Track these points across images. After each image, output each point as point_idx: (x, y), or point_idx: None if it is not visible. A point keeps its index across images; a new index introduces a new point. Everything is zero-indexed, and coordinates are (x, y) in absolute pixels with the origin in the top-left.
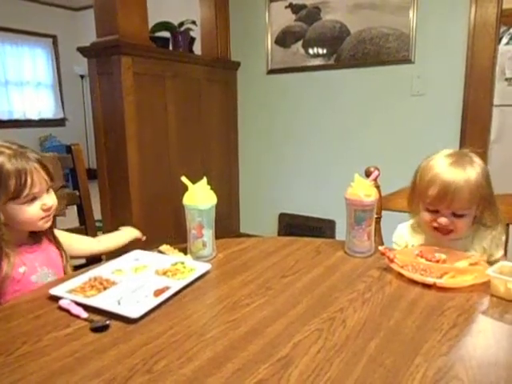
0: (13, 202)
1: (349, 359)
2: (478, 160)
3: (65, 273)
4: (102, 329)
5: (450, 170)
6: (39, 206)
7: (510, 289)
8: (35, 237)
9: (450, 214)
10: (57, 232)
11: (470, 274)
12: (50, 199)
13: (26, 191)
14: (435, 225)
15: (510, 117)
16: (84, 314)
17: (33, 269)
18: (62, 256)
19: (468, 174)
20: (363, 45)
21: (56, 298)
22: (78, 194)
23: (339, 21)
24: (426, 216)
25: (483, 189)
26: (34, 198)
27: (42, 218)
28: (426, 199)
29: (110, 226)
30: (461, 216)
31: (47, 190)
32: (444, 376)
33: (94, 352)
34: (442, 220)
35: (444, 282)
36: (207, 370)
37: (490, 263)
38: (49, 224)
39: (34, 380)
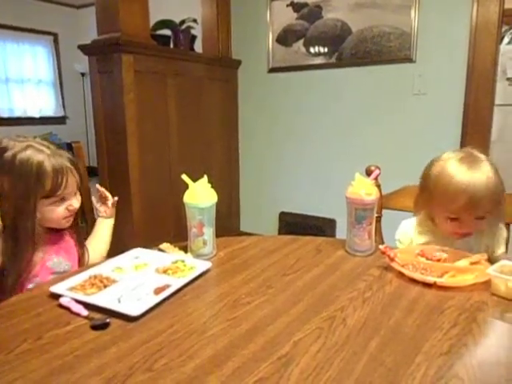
0: (45, 200)
1: (349, 358)
2: (485, 158)
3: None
4: (102, 327)
5: (470, 176)
6: (65, 207)
7: (510, 288)
8: (57, 229)
9: (472, 219)
10: None
11: (470, 273)
12: (77, 201)
13: (60, 191)
14: (459, 233)
15: (511, 116)
16: (84, 312)
17: (49, 256)
18: (78, 253)
19: (487, 177)
20: (365, 43)
21: (56, 296)
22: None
23: (340, 19)
24: (448, 225)
25: (500, 187)
26: (63, 199)
27: (65, 218)
28: (449, 209)
29: None
30: (482, 218)
31: (76, 192)
32: (444, 375)
33: (95, 350)
34: (464, 227)
35: (444, 281)
36: (208, 368)
37: (491, 260)
38: (69, 223)
39: (35, 378)
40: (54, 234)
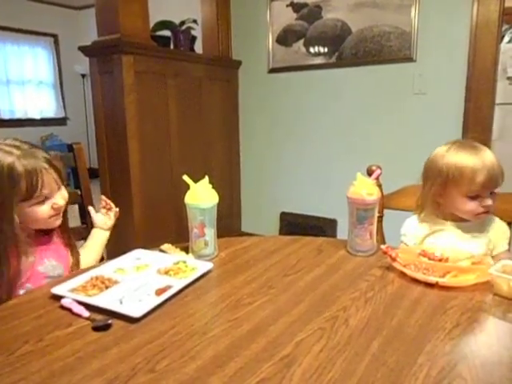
0: (24, 203)
1: (352, 358)
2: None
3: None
4: (103, 328)
5: (481, 156)
6: (50, 205)
7: None
8: (45, 230)
9: (489, 194)
10: None
11: (472, 273)
12: (61, 198)
13: (37, 192)
14: (481, 210)
15: (511, 115)
16: (86, 313)
17: (40, 260)
18: (68, 253)
19: (493, 155)
20: (365, 43)
21: (58, 297)
22: (79, 193)
23: (340, 19)
24: (469, 205)
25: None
26: (45, 199)
27: (52, 216)
28: (470, 189)
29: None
30: (495, 193)
31: (58, 189)
32: (447, 375)
33: (96, 351)
34: (489, 202)
35: (446, 281)
36: (210, 369)
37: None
38: (59, 221)
39: (36, 379)
40: (43, 235)
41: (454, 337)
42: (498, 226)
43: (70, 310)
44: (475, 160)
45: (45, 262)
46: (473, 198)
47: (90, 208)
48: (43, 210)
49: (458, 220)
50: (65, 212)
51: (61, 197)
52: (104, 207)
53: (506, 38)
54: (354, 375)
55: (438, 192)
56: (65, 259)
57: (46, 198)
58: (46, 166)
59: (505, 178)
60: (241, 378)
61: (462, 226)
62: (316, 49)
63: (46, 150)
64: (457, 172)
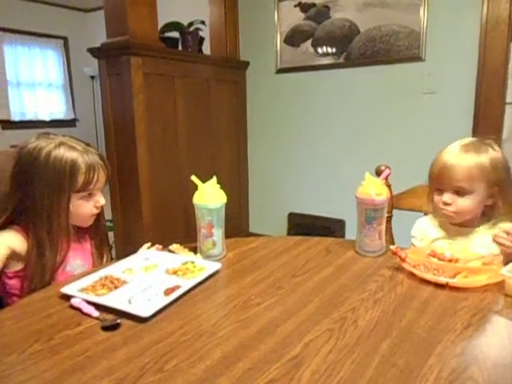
0: (75, 194)
1: (361, 359)
2: (495, 149)
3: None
4: (112, 327)
5: (453, 151)
6: (93, 204)
7: None
8: (79, 228)
9: (452, 192)
10: None
11: (483, 274)
12: (103, 198)
13: (92, 185)
14: (441, 205)
15: None
16: (95, 313)
17: (67, 259)
18: (93, 256)
19: (469, 155)
20: (373, 43)
21: (67, 297)
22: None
23: (349, 19)
24: (435, 198)
25: (488, 173)
26: (90, 195)
27: (93, 215)
28: (432, 180)
29: (121, 226)
30: (463, 195)
31: (103, 189)
32: (458, 377)
33: (105, 351)
34: (445, 197)
35: (457, 281)
36: (218, 370)
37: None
38: (92, 221)
39: (46, 378)
40: (75, 234)
41: (465, 338)
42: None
43: (79, 309)
44: (444, 153)
45: (71, 262)
46: (438, 192)
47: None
48: (88, 207)
49: (461, 225)
50: (101, 214)
51: (102, 197)
52: None
53: None
54: (363, 376)
55: (428, 186)
56: (89, 259)
57: (91, 195)
58: (101, 162)
59: None
60: (249, 379)
61: (468, 231)
62: (324, 49)
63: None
64: (431, 166)
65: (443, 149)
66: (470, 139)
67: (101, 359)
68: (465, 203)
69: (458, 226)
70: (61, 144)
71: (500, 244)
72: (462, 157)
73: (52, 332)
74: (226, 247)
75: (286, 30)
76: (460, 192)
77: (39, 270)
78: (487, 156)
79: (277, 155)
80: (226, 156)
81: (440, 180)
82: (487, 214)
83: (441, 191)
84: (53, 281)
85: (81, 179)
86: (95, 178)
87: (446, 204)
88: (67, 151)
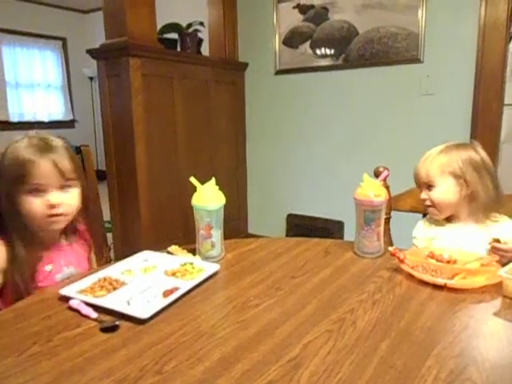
0: (22, 190)
1: (359, 361)
2: (478, 150)
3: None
4: (111, 329)
5: (420, 160)
6: (44, 202)
7: None
8: (69, 236)
9: (425, 189)
10: None
11: (481, 275)
12: (58, 197)
13: (30, 180)
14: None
15: None
16: (94, 315)
17: (59, 267)
18: (89, 260)
19: (434, 156)
20: (371, 45)
21: (66, 299)
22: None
23: (347, 21)
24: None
25: (451, 165)
26: (41, 191)
27: (49, 217)
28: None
29: (119, 227)
30: (432, 188)
31: (62, 188)
32: (457, 378)
33: (104, 352)
34: (421, 195)
35: (455, 283)
36: (217, 371)
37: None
38: (60, 225)
39: (45, 380)
40: (66, 241)
41: (463, 339)
42: (504, 224)
43: (78, 311)
44: (417, 165)
45: (63, 270)
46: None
47: None
48: (37, 204)
49: (455, 221)
50: (85, 214)
51: (58, 196)
52: None
53: None
54: (362, 378)
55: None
56: (85, 266)
57: (39, 190)
58: (56, 159)
59: None
60: (248, 380)
61: (463, 227)
62: (323, 50)
63: (68, 147)
64: None
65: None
66: (453, 142)
67: (100, 361)
68: (435, 195)
69: (448, 221)
70: (17, 141)
71: (496, 254)
72: (424, 158)
73: (50, 334)
74: (224, 248)
75: (285, 31)
76: (430, 187)
77: (15, 278)
78: (463, 156)
79: (276, 156)
80: (224, 157)
81: (416, 181)
82: (472, 208)
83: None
84: (34, 289)
85: (25, 169)
86: (33, 171)
87: (423, 200)
88: (18, 145)
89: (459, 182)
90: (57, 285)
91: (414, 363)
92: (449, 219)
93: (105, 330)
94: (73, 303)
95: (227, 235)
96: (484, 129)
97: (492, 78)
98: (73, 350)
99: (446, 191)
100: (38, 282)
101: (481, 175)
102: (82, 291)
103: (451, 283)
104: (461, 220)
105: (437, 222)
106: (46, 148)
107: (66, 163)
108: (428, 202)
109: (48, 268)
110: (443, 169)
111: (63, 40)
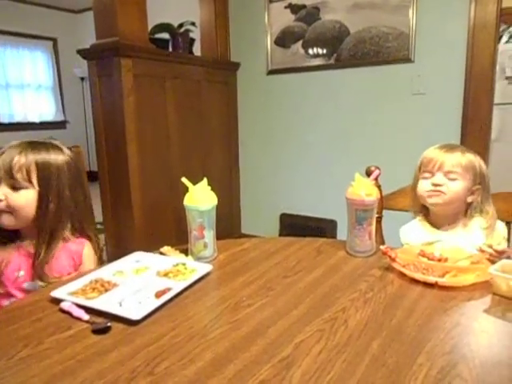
0: None
1: (351, 359)
2: (471, 153)
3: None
4: (103, 331)
5: (439, 148)
6: None
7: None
8: (49, 245)
9: (443, 174)
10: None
11: (471, 273)
12: (2, 192)
13: None
14: (430, 188)
15: (510, 115)
16: (85, 316)
17: (29, 275)
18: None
19: (457, 152)
20: (363, 44)
21: (57, 301)
22: None
23: (339, 21)
24: (422, 184)
25: (474, 169)
26: None
27: None
28: (420, 173)
29: (112, 228)
30: (453, 179)
31: (13, 186)
32: (447, 375)
33: (96, 354)
34: (437, 178)
35: (446, 280)
36: (209, 372)
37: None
38: (5, 222)
39: (36, 383)
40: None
41: (454, 336)
42: (495, 227)
43: (69, 313)
44: (434, 151)
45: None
46: (424, 178)
47: None
48: None
49: (445, 226)
50: (36, 215)
51: (4, 191)
52: None
53: (504, 38)
54: (354, 376)
55: (413, 187)
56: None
57: None
58: (16, 158)
59: (505, 178)
60: (240, 381)
61: (452, 233)
62: (315, 50)
63: (40, 148)
64: (417, 165)
65: (430, 149)
66: (449, 144)
67: (91, 363)
68: (454, 186)
69: (444, 225)
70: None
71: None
72: (452, 152)
73: (41, 336)
74: (217, 249)
75: (277, 31)
76: (451, 176)
77: None
78: (473, 156)
79: (268, 156)
80: (217, 157)
81: (429, 167)
82: (468, 211)
83: (430, 176)
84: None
85: None
86: None
87: (437, 185)
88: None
89: (474, 187)
90: (61, 281)
91: (405, 361)
92: (439, 223)
93: (96, 331)
94: (64, 305)
95: (220, 235)
96: (474, 128)
97: (482, 77)
98: (64, 353)
99: (464, 189)
100: (5, 286)
101: (484, 187)
102: (73, 293)
103: (442, 281)
104: (455, 222)
105: (427, 229)
106: (17, 145)
107: (19, 164)
108: (443, 188)
109: (18, 274)
110: (468, 166)
111: (54, 40)
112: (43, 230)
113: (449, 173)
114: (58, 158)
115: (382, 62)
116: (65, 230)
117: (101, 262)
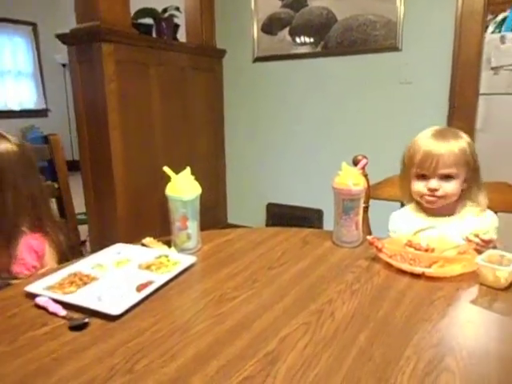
0: None
1: (338, 353)
2: (464, 135)
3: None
4: (80, 327)
5: (432, 139)
6: None
7: (498, 277)
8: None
9: (438, 177)
10: None
11: (458, 263)
12: None
13: None
14: (426, 192)
15: (495, 106)
16: (62, 312)
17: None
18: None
19: (451, 141)
20: (350, 32)
21: (32, 296)
22: (57, 186)
23: (326, 7)
24: (417, 185)
25: (468, 157)
26: None
27: None
28: (414, 168)
29: (95, 219)
30: (448, 178)
31: None
32: (435, 368)
33: (73, 352)
34: (432, 184)
35: (433, 271)
36: (191, 368)
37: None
38: None
39: (9, 382)
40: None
41: (441, 328)
42: (486, 215)
43: (45, 308)
44: (424, 140)
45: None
46: (420, 178)
47: None
48: None
49: (438, 214)
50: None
51: None
52: None
53: (491, 28)
54: (340, 371)
55: (403, 176)
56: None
57: None
58: None
59: (490, 167)
60: (223, 377)
61: (446, 220)
62: (301, 38)
63: (18, 147)
64: (408, 153)
65: (417, 136)
66: (439, 127)
67: (68, 361)
68: (450, 187)
69: (438, 213)
70: None
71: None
72: (446, 144)
73: (16, 333)
74: (201, 240)
75: (263, 17)
76: (447, 177)
77: None
78: (464, 141)
79: (254, 144)
80: (203, 146)
81: (425, 167)
82: (461, 198)
83: (424, 178)
84: None
85: None
86: None
87: (433, 190)
88: None
89: (469, 174)
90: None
91: (392, 354)
92: (432, 211)
93: (74, 328)
94: (40, 300)
95: (206, 225)
96: (460, 117)
97: (468, 66)
98: (39, 350)
99: (460, 184)
100: None
101: (475, 175)
102: (49, 287)
103: (429, 272)
104: (449, 211)
105: (417, 216)
106: None
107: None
108: (440, 193)
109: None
110: (462, 159)
111: (33, 25)
112: (3, 225)
113: (444, 176)
114: (5, 147)
115: (369, 50)
116: (24, 225)
117: (82, 254)
